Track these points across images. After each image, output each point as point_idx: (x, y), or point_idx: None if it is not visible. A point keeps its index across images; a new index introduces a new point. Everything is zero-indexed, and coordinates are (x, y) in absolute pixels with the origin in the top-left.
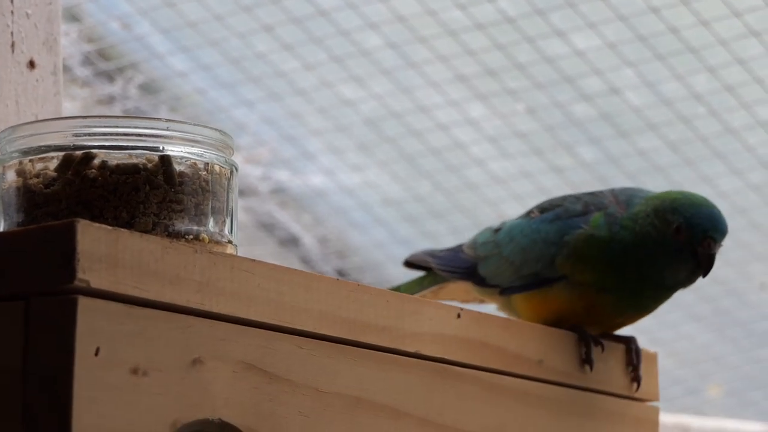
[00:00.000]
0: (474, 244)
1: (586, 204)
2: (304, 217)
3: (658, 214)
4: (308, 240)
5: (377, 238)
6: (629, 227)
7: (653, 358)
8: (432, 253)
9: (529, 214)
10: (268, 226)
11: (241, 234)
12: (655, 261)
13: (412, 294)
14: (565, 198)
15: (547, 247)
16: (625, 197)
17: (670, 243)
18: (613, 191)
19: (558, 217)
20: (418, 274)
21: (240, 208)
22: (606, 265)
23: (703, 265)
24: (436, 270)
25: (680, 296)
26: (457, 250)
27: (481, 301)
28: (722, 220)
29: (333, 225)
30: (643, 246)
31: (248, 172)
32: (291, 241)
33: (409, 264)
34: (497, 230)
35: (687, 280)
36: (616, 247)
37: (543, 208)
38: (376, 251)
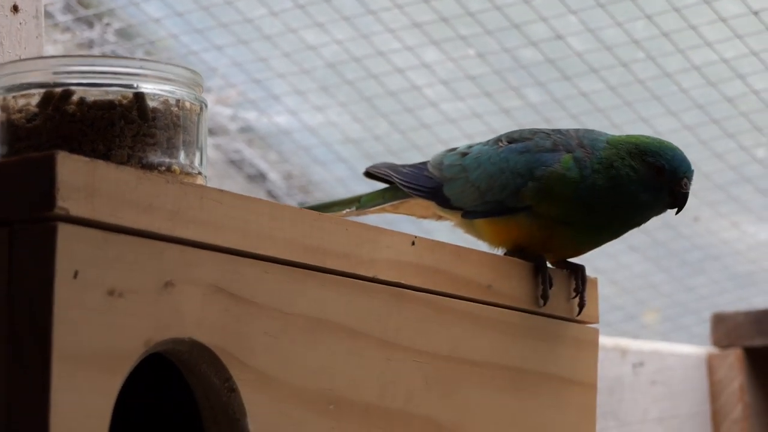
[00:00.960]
0: (440, 165)
1: (555, 143)
2: (270, 154)
3: (636, 157)
4: (274, 176)
5: (338, 174)
6: (601, 171)
7: (594, 283)
8: (394, 168)
9: (497, 142)
10: (236, 163)
11: (211, 170)
12: (633, 200)
13: (373, 206)
14: (535, 132)
15: (514, 178)
16: (588, 141)
17: (650, 183)
18: (577, 133)
19: (527, 149)
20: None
21: (210, 145)
22: (575, 204)
23: (679, 202)
24: (398, 185)
25: None
26: (422, 168)
27: (439, 218)
28: (690, 162)
29: (297, 162)
30: (620, 186)
31: (218, 112)
32: (258, 177)
33: (370, 175)
34: (465, 154)
35: (654, 216)
36: (585, 188)
37: (512, 139)
38: (338, 186)
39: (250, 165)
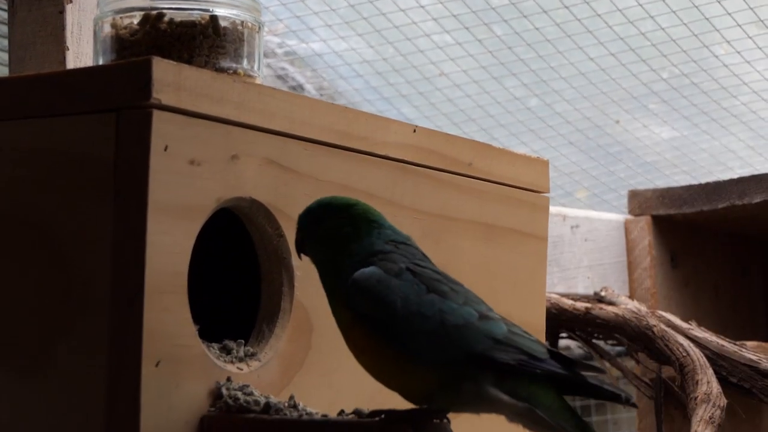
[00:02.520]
0: None
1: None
2: (306, 71)
3: None
4: (309, 87)
5: (356, 86)
6: None
7: (546, 164)
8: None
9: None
10: (282, 77)
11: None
12: None
13: None
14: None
15: None
16: None
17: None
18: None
19: None
20: None
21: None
22: None
23: None
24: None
25: (561, 126)
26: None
27: None
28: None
29: (327, 77)
30: None
31: (269, 40)
32: (298, 88)
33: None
34: None
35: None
36: None
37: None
38: (356, 94)
39: (292, 79)
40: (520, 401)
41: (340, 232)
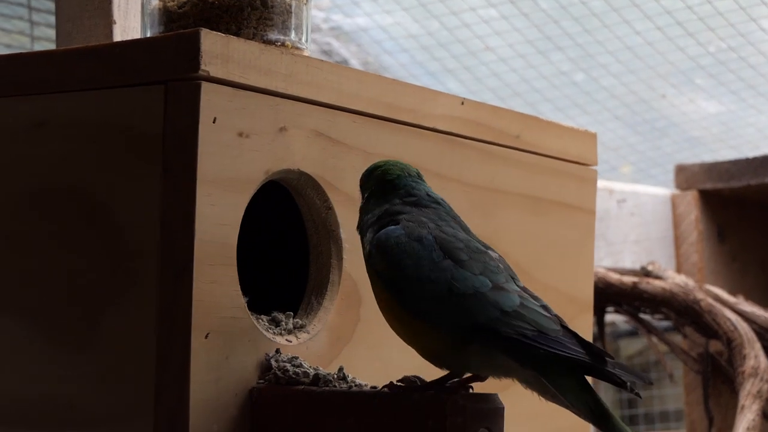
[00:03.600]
0: None
1: None
2: (351, 46)
3: None
4: (354, 62)
5: (401, 61)
6: None
7: (594, 136)
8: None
9: None
10: (327, 52)
11: None
12: None
13: None
14: None
15: None
16: None
17: None
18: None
19: None
20: None
21: None
22: None
23: None
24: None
25: (606, 101)
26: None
27: None
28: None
29: (372, 51)
30: None
31: (314, 15)
32: (343, 63)
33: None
34: None
35: None
36: None
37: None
38: (401, 69)
39: (336, 54)
40: (527, 369)
41: (371, 192)
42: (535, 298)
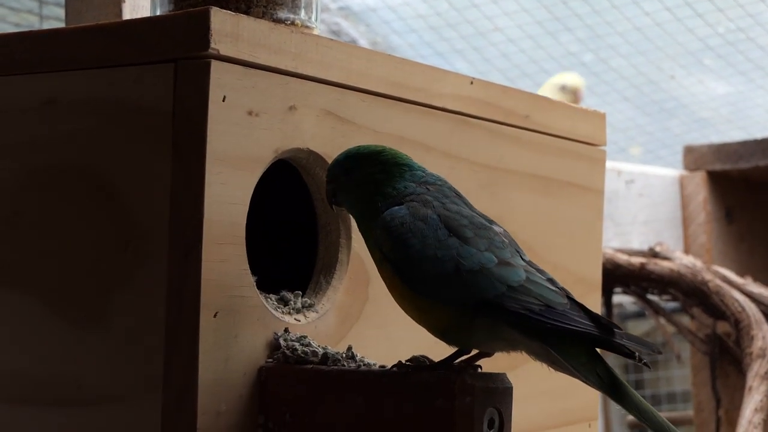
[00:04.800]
0: None
1: None
2: (360, 26)
3: None
4: (363, 42)
5: (410, 41)
6: None
7: (603, 117)
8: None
9: None
10: (335, 32)
11: None
12: None
13: None
14: None
15: None
16: None
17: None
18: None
19: None
20: None
21: None
22: None
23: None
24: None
25: (615, 82)
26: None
27: None
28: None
29: (380, 31)
30: None
31: None
32: (351, 42)
33: None
34: None
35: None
36: None
37: None
38: (409, 49)
39: (345, 34)
40: (535, 342)
41: (373, 178)
42: (541, 271)
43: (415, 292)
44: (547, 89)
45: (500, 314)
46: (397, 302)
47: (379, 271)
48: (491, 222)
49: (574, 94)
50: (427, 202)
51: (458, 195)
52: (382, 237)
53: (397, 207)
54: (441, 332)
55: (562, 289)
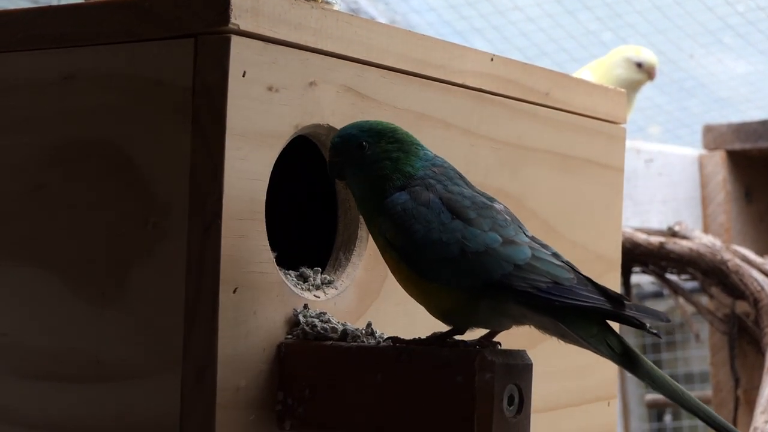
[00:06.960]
0: None
1: None
2: (379, 4)
3: None
4: (382, 20)
5: (429, 20)
6: None
7: (623, 94)
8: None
9: None
10: (354, 11)
11: None
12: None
13: None
14: None
15: None
16: None
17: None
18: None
19: None
20: None
21: None
22: None
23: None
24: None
25: None
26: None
27: None
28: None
29: (399, 10)
30: None
31: None
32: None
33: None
34: None
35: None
36: None
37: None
38: (428, 28)
39: (364, 12)
40: (544, 317)
41: (390, 156)
42: (545, 246)
43: (420, 276)
44: (620, 64)
45: (508, 293)
46: (400, 285)
47: (382, 256)
48: (492, 200)
49: (648, 73)
50: (429, 185)
51: (460, 176)
52: (386, 225)
53: (398, 193)
54: (445, 313)
55: (567, 263)
